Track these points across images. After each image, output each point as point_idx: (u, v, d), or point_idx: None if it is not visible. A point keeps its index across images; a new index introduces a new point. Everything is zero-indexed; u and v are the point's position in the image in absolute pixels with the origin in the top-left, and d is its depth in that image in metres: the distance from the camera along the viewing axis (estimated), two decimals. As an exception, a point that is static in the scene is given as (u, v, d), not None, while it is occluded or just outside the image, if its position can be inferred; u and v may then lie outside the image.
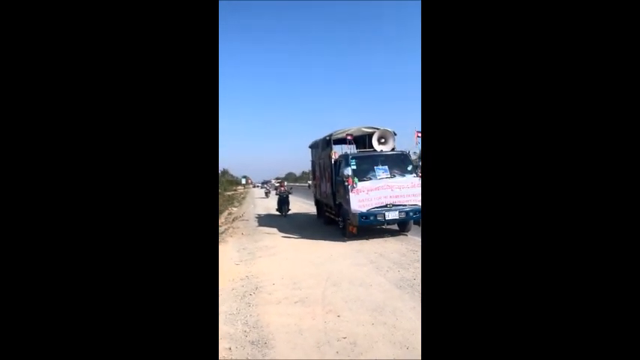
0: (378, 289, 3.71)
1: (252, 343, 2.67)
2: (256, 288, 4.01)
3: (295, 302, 3.49)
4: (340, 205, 6.95)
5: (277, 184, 31.23)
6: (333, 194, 7.38)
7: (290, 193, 11.38)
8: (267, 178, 48.76)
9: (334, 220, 7.73)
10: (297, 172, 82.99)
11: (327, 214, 8.50)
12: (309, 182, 15.69)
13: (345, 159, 6.80)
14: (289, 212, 11.22)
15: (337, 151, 7.53)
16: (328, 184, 7.70)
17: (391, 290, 3.64)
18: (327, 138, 7.72)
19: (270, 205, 15.93)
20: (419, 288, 3.54)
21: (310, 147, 10.11)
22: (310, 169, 10.78)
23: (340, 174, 6.76)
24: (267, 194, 24.17)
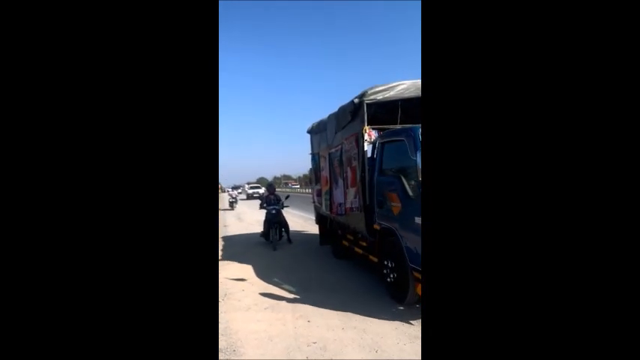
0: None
1: (221, 350, 2.61)
2: (225, 294, 3.94)
3: (265, 308, 3.45)
4: (389, 232, 3.48)
5: (250, 190, 27.42)
6: (368, 210, 3.86)
7: (286, 206, 7.02)
8: (238, 183, 42.93)
9: (350, 250, 4.68)
10: (269, 177, 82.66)
11: (344, 242, 4.89)
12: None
13: (408, 136, 3.19)
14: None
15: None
16: (353, 191, 4.16)
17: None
18: (356, 102, 3.93)
19: (241, 211, 15.44)
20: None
21: (311, 132, 6.26)
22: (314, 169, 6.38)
23: (387, 170, 3.60)
24: (232, 205, 16.87)
